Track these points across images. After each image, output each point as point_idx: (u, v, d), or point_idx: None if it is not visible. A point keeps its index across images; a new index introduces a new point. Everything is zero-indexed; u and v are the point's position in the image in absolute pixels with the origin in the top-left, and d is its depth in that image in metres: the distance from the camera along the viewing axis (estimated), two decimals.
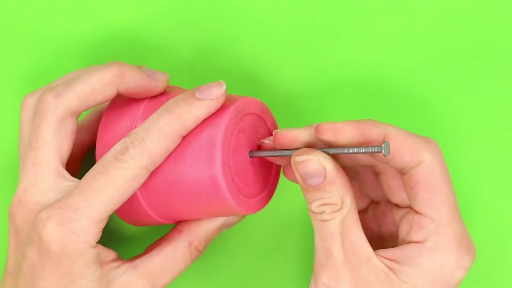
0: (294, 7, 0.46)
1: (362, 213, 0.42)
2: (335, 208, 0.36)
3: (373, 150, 0.34)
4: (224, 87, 0.37)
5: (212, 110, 0.37)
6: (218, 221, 0.40)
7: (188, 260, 0.39)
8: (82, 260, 0.36)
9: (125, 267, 0.38)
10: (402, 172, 0.38)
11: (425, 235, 0.37)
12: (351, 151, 0.35)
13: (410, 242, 0.37)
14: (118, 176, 0.35)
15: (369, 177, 0.41)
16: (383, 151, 0.33)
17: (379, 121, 0.37)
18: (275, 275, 0.46)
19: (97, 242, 0.37)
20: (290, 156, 0.37)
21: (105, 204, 0.35)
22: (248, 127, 0.38)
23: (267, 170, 0.39)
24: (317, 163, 0.36)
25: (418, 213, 0.37)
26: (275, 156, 0.37)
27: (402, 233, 0.38)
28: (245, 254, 0.46)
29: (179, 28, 0.46)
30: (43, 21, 0.46)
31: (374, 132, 0.36)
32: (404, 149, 0.36)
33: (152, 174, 0.37)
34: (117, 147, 0.36)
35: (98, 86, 0.38)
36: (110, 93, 0.38)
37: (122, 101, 0.40)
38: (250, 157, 0.38)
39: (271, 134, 0.39)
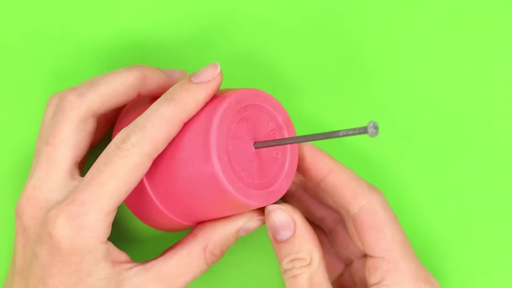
0: (297, 6, 0.46)
1: (339, 278, 0.43)
2: (304, 263, 0.37)
3: (360, 132, 0.33)
4: (219, 68, 0.37)
5: (211, 92, 0.37)
6: (235, 225, 0.39)
7: (203, 265, 0.39)
8: (91, 256, 0.35)
9: (137, 269, 0.37)
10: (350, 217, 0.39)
11: (381, 275, 0.37)
12: (340, 134, 0.34)
13: (371, 286, 0.37)
14: (121, 165, 0.35)
15: (340, 234, 0.42)
16: (368, 130, 0.33)
17: (334, 158, 0.39)
18: (275, 275, 0.46)
19: (108, 239, 0.36)
20: (293, 143, 0.36)
21: (112, 195, 0.35)
22: (253, 118, 0.38)
23: (278, 166, 0.39)
24: (287, 215, 0.37)
25: (371, 256, 0.38)
26: (279, 145, 0.37)
27: (368, 282, 0.38)
28: (245, 254, 0.46)
29: (199, 33, 0.46)
30: (69, 25, 0.46)
31: (320, 166, 0.39)
32: (347, 188, 0.38)
33: (157, 163, 0.37)
34: (118, 136, 0.36)
35: (120, 88, 0.38)
36: (132, 95, 0.39)
37: (138, 100, 0.41)
38: (255, 148, 0.38)
39: (282, 130, 0.39)
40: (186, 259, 0.38)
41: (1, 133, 0.46)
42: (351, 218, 0.39)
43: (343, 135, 0.34)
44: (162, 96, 0.37)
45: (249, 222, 0.39)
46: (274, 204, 0.38)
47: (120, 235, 0.45)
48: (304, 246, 0.37)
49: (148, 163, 0.36)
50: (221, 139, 0.36)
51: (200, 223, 0.39)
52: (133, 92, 0.39)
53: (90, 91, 0.38)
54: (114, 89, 0.38)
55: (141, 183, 0.39)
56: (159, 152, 0.36)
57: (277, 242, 0.38)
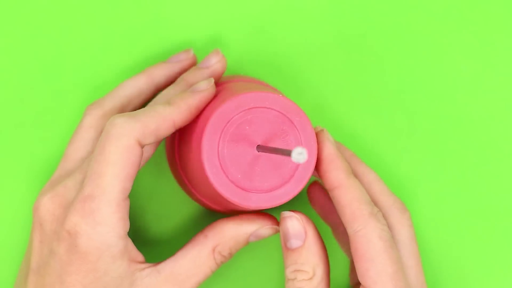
0: (297, 9, 0.47)
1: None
2: (306, 276, 0.37)
3: (287, 153, 0.34)
4: (212, 81, 0.38)
5: (204, 99, 0.38)
6: (246, 230, 0.39)
7: (213, 265, 0.39)
8: (109, 253, 0.35)
9: (149, 270, 0.37)
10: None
11: None
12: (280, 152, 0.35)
13: None
14: (113, 151, 0.35)
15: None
16: (292, 155, 0.32)
17: (349, 172, 0.38)
18: (275, 275, 0.46)
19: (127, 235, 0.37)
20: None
21: (114, 184, 0.35)
22: (259, 121, 0.38)
23: (287, 171, 0.38)
24: (300, 225, 0.37)
25: (362, 285, 0.37)
26: (280, 153, 0.36)
27: None
28: (245, 254, 0.46)
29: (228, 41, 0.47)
30: (106, 36, 0.47)
31: (330, 177, 0.38)
32: (348, 208, 0.37)
33: (181, 140, 0.39)
34: (109, 120, 0.36)
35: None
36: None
37: None
38: (258, 151, 0.38)
39: (295, 132, 0.38)
40: (197, 260, 0.38)
41: (35, 140, 0.46)
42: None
43: (278, 152, 0.35)
44: (162, 99, 0.38)
45: (261, 229, 0.39)
46: (290, 211, 0.38)
47: (134, 236, 0.45)
48: (310, 259, 0.37)
49: (138, 148, 0.36)
50: (213, 142, 0.37)
51: (212, 224, 0.40)
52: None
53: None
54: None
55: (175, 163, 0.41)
56: (146, 141, 0.36)
57: (286, 248, 0.38)
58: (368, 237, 0.36)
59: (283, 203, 0.38)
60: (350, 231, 0.37)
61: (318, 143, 0.38)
